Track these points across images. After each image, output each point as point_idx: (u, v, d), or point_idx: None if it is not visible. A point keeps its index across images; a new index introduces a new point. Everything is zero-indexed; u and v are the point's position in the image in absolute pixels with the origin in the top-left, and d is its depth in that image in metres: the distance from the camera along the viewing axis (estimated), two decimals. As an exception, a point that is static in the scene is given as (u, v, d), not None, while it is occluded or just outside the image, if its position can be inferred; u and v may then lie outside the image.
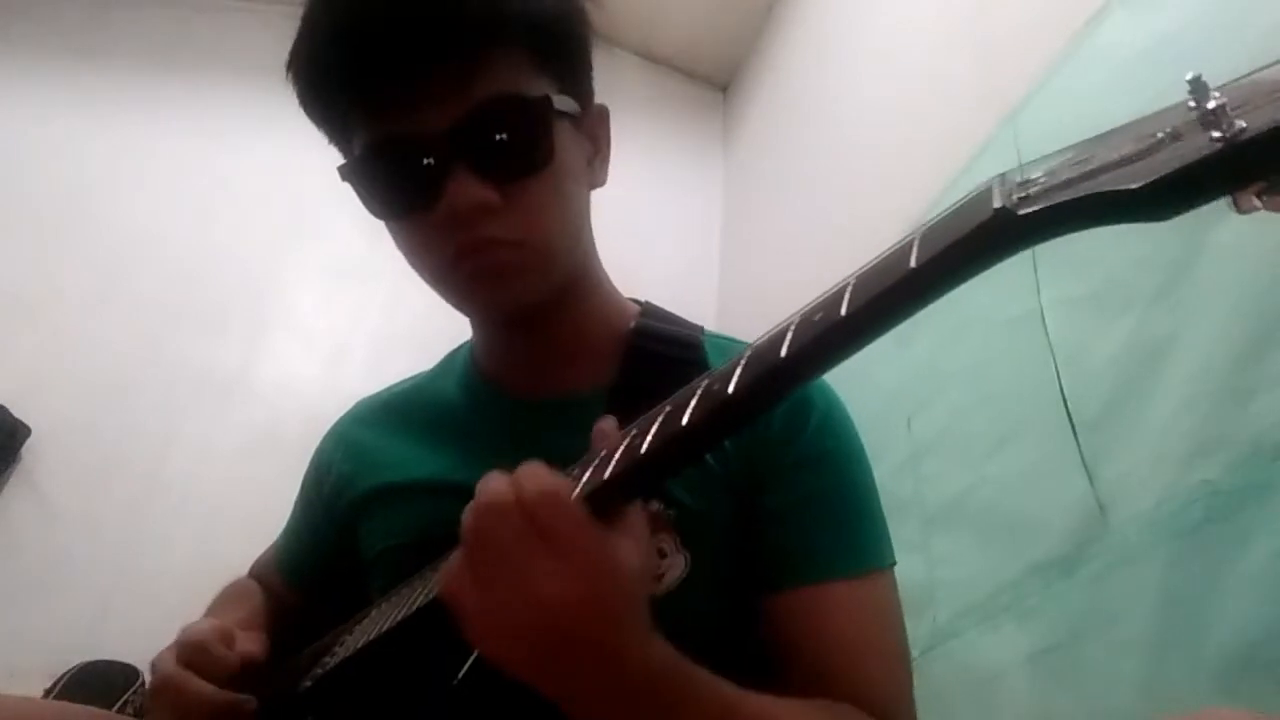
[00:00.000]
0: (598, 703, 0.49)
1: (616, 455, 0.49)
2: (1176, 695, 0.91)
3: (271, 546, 0.96)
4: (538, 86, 0.67)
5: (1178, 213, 0.32)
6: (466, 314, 0.78)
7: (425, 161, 0.64)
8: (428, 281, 0.72)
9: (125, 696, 1.86)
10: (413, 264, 0.72)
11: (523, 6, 0.66)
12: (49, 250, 2.45)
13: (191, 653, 0.66)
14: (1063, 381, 1.19)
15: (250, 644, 0.69)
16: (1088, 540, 1.09)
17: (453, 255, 0.66)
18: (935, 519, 1.41)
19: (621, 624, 0.48)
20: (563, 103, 0.68)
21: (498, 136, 0.64)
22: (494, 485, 0.48)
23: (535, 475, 0.48)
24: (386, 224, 0.72)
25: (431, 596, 0.58)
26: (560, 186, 0.68)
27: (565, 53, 0.70)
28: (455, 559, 0.49)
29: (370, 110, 0.66)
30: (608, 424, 0.54)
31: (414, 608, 0.60)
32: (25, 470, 2.17)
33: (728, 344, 0.79)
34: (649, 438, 0.48)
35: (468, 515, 0.48)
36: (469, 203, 0.63)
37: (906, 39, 2.03)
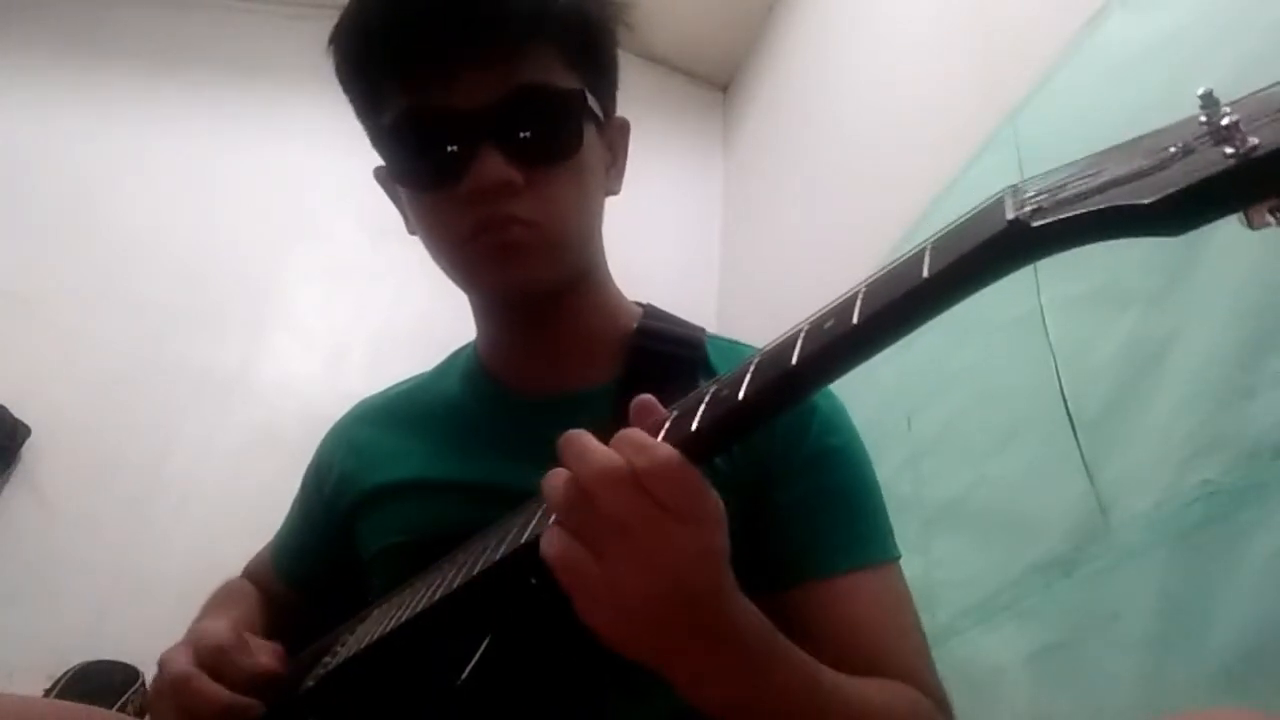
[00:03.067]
0: (714, 664, 0.49)
1: None
2: (1176, 695, 0.91)
3: (266, 547, 0.96)
4: (571, 81, 0.70)
5: (1190, 228, 0.32)
6: (472, 294, 0.79)
7: (455, 138, 0.66)
8: (439, 257, 0.74)
9: (125, 696, 1.86)
10: (427, 239, 0.74)
11: (566, 6, 0.69)
12: (49, 250, 2.45)
13: (209, 654, 0.66)
14: (1063, 381, 1.19)
15: (269, 657, 0.69)
16: (1088, 540, 1.09)
17: (470, 230, 0.68)
18: (935, 519, 1.41)
19: (732, 580, 0.49)
20: (592, 102, 0.71)
21: (529, 122, 0.67)
22: (599, 455, 0.46)
23: (644, 444, 0.46)
24: (408, 196, 0.73)
25: (457, 584, 0.58)
26: (581, 180, 0.71)
27: (597, 59, 0.73)
28: (556, 535, 0.47)
29: (408, 83, 0.68)
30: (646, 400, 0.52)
31: (450, 587, 0.59)
32: (25, 470, 2.17)
33: (729, 346, 0.80)
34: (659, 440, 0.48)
35: (568, 488, 0.47)
36: (493, 180, 0.65)
37: (907, 38, 2.03)
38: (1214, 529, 0.91)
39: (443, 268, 0.74)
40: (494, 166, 0.65)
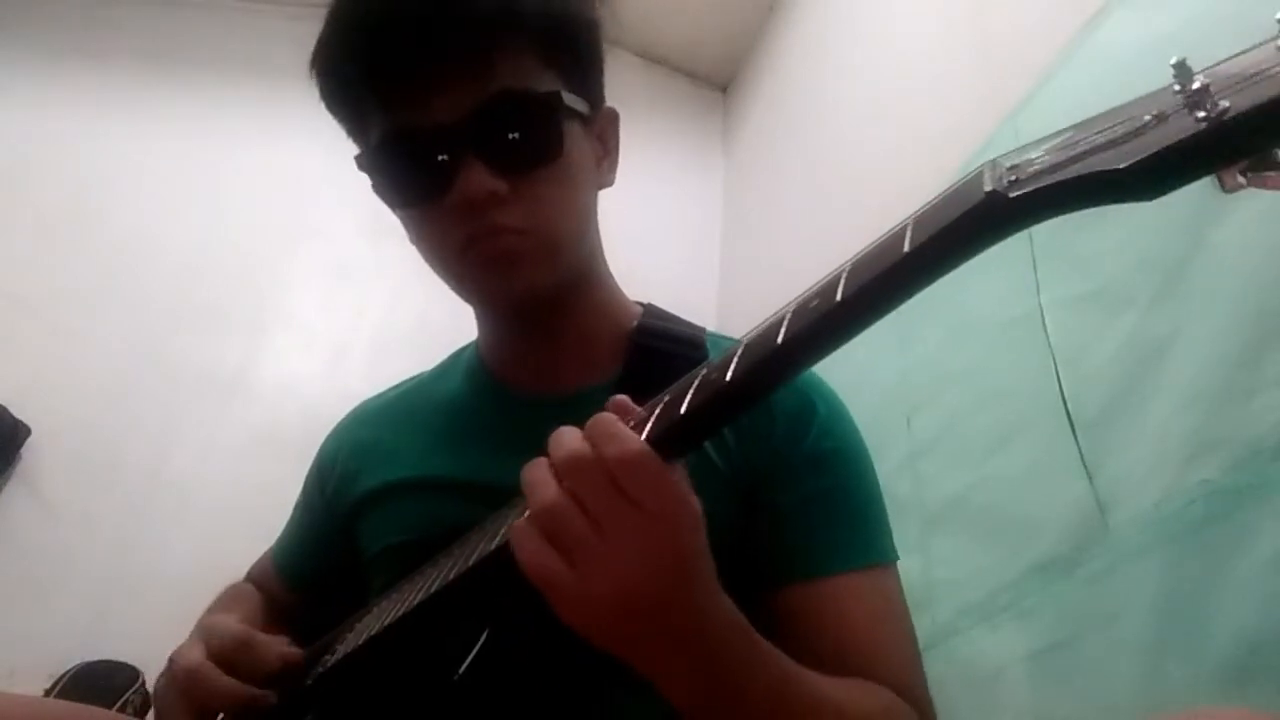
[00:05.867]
0: (681, 662, 0.49)
1: None
2: (1176, 695, 0.91)
3: (268, 551, 0.96)
4: (547, 82, 0.69)
5: (1164, 191, 0.33)
6: (474, 304, 0.79)
7: (438, 152, 0.66)
8: (438, 270, 0.74)
9: (125, 696, 1.86)
10: (424, 253, 0.74)
11: (533, 6, 0.68)
12: (49, 250, 2.45)
13: (221, 647, 0.66)
14: (1063, 381, 1.19)
15: (281, 649, 0.69)
16: (1088, 540, 1.09)
17: (462, 243, 0.68)
18: (935, 519, 1.41)
19: (708, 580, 0.49)
20: (572, 100, 0.70)
21: (508, 129, 0.67)
22: (569, 444, 0.47)
23: (613, 432, 0.47)
24: (400, 213, 0.73)
25: (452, 577, 0.58)
26: (568, 180, 0.70)
27: (575, 53, 0.72)
28: (528, 534, 0.47)
29: (386, 102, 0.68)
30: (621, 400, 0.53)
31: (447, 580, 0.59)
32: (25, 470, 2.17)
33: (730, 343, 0.80)
34: (648, 427, 0.48)
35: (539, 479, 0.47)
36: (479, 192, 0.65)
37: (907, 38, 2.03)
38: (1214, 529, 0.91)
39: (442, 279, 0.74)
40: (478, 178, 0.65)
